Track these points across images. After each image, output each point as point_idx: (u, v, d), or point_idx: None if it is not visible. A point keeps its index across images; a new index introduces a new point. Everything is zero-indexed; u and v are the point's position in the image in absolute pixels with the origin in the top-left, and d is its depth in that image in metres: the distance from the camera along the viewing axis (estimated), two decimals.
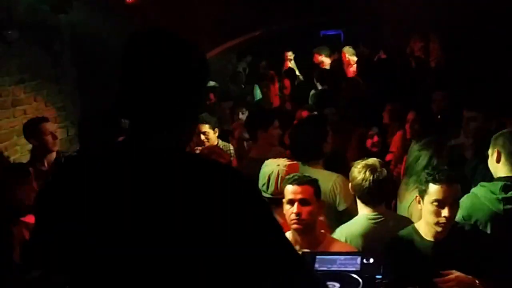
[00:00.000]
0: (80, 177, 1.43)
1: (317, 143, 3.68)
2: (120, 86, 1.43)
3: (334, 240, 2.88)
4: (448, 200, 2.64)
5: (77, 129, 6.08)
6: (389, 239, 2.83)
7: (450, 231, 2.72)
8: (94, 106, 6.38)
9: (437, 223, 2.67)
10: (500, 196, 2.95)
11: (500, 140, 3.07)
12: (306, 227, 2.77)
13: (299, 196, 2.78)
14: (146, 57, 1.40)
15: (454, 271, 2.58)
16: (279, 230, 1.47)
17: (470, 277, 2.58)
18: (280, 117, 4.78)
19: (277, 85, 8.14)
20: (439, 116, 5.00)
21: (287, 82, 7.89)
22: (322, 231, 2.90)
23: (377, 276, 2.10)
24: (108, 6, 6.08)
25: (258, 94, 8.08)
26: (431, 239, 2.74)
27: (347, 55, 8.47)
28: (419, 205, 2.76)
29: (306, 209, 2.76)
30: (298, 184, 2.81)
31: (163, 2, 6.10)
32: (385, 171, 2.99)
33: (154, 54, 1.39)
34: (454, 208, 2.68)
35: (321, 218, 3.00)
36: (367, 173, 2.94)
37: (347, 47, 8.60)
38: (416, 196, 2.79)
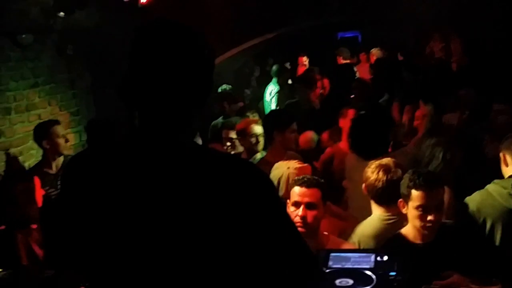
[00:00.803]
0: (89, 174, 1.42)
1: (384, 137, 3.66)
2: (128, 77, 1.42)
3: (338, 241, 2.86)
4: (432, 204, 2.64)
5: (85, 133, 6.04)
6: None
7: (438, 232, 2.72)
8: (109, 111, 6.35)
9: (424, 227, 2.67)
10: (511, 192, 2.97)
11: (505, 144, 3.15)
12: (310, 231, 2.71)
13: (306, 199, 2.74)
14: (154, 47, 1.40)
15: (453, 272, 2.56)
16: (294, 229, 1.46)
17: (469, 278, 2.55)
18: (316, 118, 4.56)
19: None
20: (466, 113, 4.87)
21: (326, 82, 7.69)
22: (326, 233, 2.86)
23: (391, 273, 2.08)
24: (122, 9, 6.02)
25: (266, 96, 7.87)
26: (420, 242, 2.73)
27: (375, 57, 8.31)
28: (403, 209, 2.76)
29: (311, 213, 2.73)
30: (307, 186, 2.77)
31: (176, 3, 6.03)
32: (399, 171, 2.96)
33: (162, 44, 1.39)
34: (439, 211, 2.68)
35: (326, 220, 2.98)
36: (381, 173, 2.95)
37: (375, 49, 8.47)
38: (400, 201, 2.77)
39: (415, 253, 2.68)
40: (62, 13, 5.15)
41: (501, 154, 3.17)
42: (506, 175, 3.13)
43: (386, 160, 3.03)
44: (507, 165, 3.12)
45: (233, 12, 6.73)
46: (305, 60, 9.06)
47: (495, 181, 3.10)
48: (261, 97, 7.73)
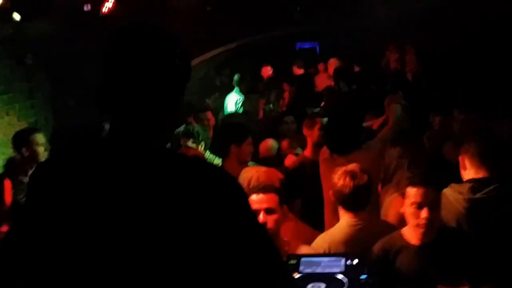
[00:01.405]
0: (57, 182, 1.39)
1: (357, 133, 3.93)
2: (101, 81, 1.40)
3: (299, 246, 2.87)
4: (426, 202, 2.67)
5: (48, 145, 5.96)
6: (375, 245, 2.83)
7: (436, 235, 2.74)
8: (68, 121, 6.29)
9: (418, 225, 2.70)
10: (467, 197, 3.01)
11: (464, 148, 3.17)
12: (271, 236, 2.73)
13: (264, 205, 2.75)
14: (128, 51, 1.38)
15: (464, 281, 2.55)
16: (264, 233, 1.45)
17: None
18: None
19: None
20: None
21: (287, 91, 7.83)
22: (285, 239, 2.88)
23: (362, 277, 2.12)
24: (83, 18, 6.00)
25: (226, 107, 7.95)
26: (416, 243, 2.75)
27: (333, 67, 8.49)
28: (401, 209, 2.81)
29: (271, 218, 2.74)
30: (264, 192, 2.79)
31: (139, 14, 6.06)
32: (366, 176, 3.00)
33: (137, 48, 1.37)
34: (433, 210, 2.70)
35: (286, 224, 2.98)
36: (347, 179, 2.96)
37: (333, 59, 8.67)
38: (399, 199, 2.84)
39: (411, 254, 2.73)
40: (18, 16, 5.06)
41: (460, 158, 3.20)
42: (465, 179, 3.16)
43: (352, 166, 3.08)
44: (465, 169, 3.15)
45: (194, 22, 6.79)
46: (269, 69, 9.20)
47: (452, 185, 3.13)
48: (222, 106, 7.84)
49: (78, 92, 6.45)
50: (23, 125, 5.96)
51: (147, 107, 1.38)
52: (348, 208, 3.00)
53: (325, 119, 4.77)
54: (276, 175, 3.30)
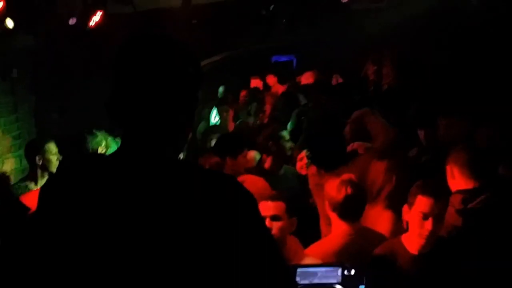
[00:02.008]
0: (72, 192, 1.38)
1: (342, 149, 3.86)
2: (113, 91, 1.38)
3: (305, 255, 2.87)
4: (433, 213, 2.66)
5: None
6: (376, 249, 2.85)
7: (435, 245, 2.73)
8: (51, 133, 6.25)
9: (420, 235, 2.69)
10: (458, 208, 3.00)
11: (452, 156, 3.17)
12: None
13: (270, 212, 2.81)
14: (141, 60, 1.36)
15: None
16: (274, 243, 1.43)
17: None
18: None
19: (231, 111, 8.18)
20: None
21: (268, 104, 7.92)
22: (294, 247, 2.90)
23: (361, 287, 2.12)
24: (70, 33, 6.01)
25: (211, 117, 8.01)
26: (414, 252, 2.75)
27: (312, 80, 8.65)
28: (406, 215, 2.78)
29: (277, 225, 2.78)
30: (272, 200, 2.85)
31: (124, 27, 6.09)
32: (361, 186, 3.06)
33: (149, 58, 1.36)
34: (437, 222, 2.69)
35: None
36: (344, 188, 2.97)
37: (309, 72, 8.82)
38: (405, 206, 2.81)
39: (408, 262, 2.71)
40: (11, 23, 5.05)
41: (448, 168, 3.18)
42: (453, 189, 3.13)
43: (348, 176, 3.10)
44: (454, 178, 3.14)
45: (181, 35, 6.83)
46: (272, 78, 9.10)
47: None
48: (202, 118, 7.90)
49: (61, 105, 6.45)
50: (6, 139, 5.93)
51: (161, 117, 1.37)
52: (344, 217, 3.00)
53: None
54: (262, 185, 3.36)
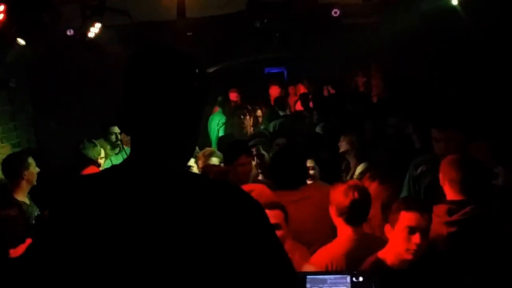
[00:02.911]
0: (82, 201, 1.40)
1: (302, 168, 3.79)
2: (123, 103, 1.42)
3: (303, 263, 2.90)
4: (420, 227, 2.69)
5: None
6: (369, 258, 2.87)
7: (422, 257, 2.72)
8: (49, 141, 6.37)
9: (408, 251, 2.69)
10: (443, 220, 3.05)
11: (445, 169, 3.21)
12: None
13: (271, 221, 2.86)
14: (148, 74, 1.39)
15: None
16: (285, 254, 1.46)
17: None
18: None
19: None
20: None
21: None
22: (290, 256, 2.96)
23: None
24: (68, 43, 6.13)
25: (212, 126, 8.10)
26: (398, 267, 2.74)
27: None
28: (388, 233, 2.80)
29: (278, 233, 2.79)
30: (269, 208, 2.84)
31: (120, 38, 6.23)
32: (366, 191, 3.13)
33: (157, 71, 1.38)
34: (424, 235, 2.70)
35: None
36: (351, 193, 3.03)
37: (304, 80, 9.00)
38: (386, 225, 2.82)
39: (394, 279, 2.69)
40: (22, 41, 5.19)
41: (440, 176, 3.23)
42: (447, 194, 3.18)
43: (353, 182, 3.16)
44: (444, 185, 3.18)
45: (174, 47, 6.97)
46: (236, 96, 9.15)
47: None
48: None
49: (59, 114, 6.56)
50: (6, 147, 6.02)
51: (169, 129, 1.39)
52: (350, 222, 3.04)
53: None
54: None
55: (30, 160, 4.41)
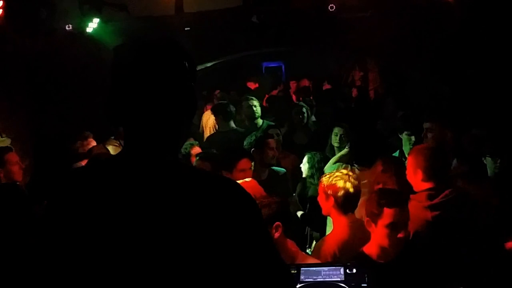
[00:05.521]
0: (79, 194, 1.41)
1: None
2: (110, 94, 1.40)
3: (307, 257, 2.92)
4: (402, 222, 2.71)
5: (30, 160, 6.04)
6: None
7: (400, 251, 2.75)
8: (48, 137, 6.40)
9: (392, 245, 2.71)
10: (426, 204, 3.12)
11: (417, 158, 3.26)
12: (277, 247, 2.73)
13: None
14: (137, 64, 1.37)
15: None
16: (272, 245, 1.45)
17: None
18: None
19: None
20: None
21: None
22: (294, 249, 2.89)
23: (363, 285, 2.16)
24: (65, 38, 6.18)
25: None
26: (383, 261, 2.77)
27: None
28: (370, 228, 2.79)
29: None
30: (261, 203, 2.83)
31: (119, 33, 6.27)
32: (359, 179, 3.21)
33: (146, 62, 1.36)
34: (406, 227, 2.72)
35: None
36: (349, 181, 3.10)
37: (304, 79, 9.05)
38: (367, 220, 2.81)
39: (379, 272, 2.63)
40: None
41: (409, 164, 3.30)
42: (417, 189, 3.25)
43: (348, 170, 3.23)
44: (415, 174, 3.24)
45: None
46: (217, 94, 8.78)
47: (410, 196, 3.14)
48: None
49: (58, 107, 6.60)
50: (5, 141, 6.06)
51: (161, 120, 1.38)
52: (346, 209, 3.09)
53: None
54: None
55: (10, 156, 4.31)
